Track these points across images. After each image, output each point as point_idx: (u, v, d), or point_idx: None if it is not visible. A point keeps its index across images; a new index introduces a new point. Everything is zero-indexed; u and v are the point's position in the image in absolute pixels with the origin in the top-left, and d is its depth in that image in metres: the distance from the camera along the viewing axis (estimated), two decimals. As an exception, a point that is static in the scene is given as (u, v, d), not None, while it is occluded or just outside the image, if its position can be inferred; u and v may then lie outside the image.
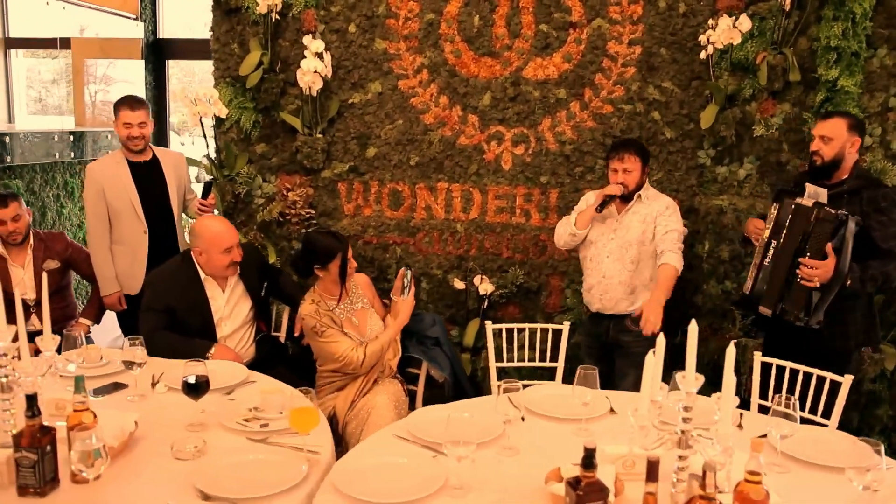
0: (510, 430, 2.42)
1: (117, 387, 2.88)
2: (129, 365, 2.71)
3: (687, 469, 1.94)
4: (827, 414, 2.97)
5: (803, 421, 2.54)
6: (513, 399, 2.42)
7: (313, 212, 4.29)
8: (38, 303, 3.95)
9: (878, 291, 3.52)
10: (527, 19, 4.04)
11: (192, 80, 9.45)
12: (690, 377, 1.89)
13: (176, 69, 7.81)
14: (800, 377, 3.05)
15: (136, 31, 7.38)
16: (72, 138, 6.42)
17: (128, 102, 3.97)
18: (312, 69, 3.97)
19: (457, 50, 4.10)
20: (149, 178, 4.00)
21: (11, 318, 2.50)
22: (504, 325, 3.62)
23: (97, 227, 3.93)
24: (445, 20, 4.08)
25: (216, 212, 4.15)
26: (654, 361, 1.99)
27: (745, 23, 3.72)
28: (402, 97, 4.17)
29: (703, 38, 3.83)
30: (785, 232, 3.21)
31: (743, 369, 3.72)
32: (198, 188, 4.37)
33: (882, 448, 1.93)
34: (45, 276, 2.57)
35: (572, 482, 1.84)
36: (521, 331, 3.71)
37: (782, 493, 2.03)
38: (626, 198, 3.49)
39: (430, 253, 4.27)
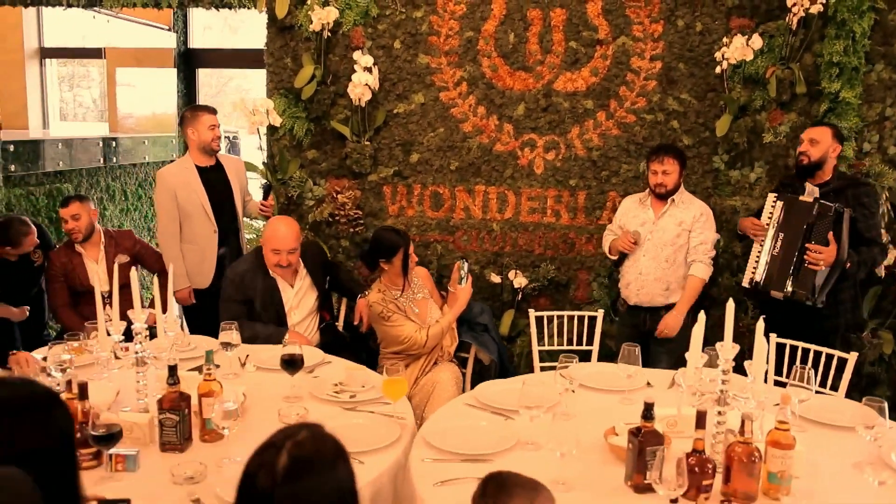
0: (564, 399, 2.81)
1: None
2: (225, 346, 3.09)
3: (725, 424, 2.35)
4: (833, 388, 3.38)
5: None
6: (565, 374, 2.82)
7: (360, 213, 4.68)
8: (111, 294, 4.35)
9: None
10: (557, 37, 4.44)
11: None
12: (728, 345, 2.30)
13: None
14: (801, 354, 3.45)
15: (169, 41, 7.75)
16: (114, 144, 6.80)
17: (205, 108, 4.36)
18: (363, 82, 4.36)
19: (493, 65, 4.50)
20: (215, 182, 4.37)
21: (93, 307, 2.93)
22: (545, 313, 4.02)
23: (169, 227, 4.29)
24: (483, 37, 4.48)
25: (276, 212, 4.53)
26: (699, 333, 2.40)
27: (756, 41, 4.13)
28: (443, 107, 4.57)
29: (718, 55, 4.24)
30: (791, 225, 3.66)
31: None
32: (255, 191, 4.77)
33: (885, 405, 2.33)
34: (133, 271, 2.93)
35: (634, 431, 2.24)
36: (559, 318, 4.10)
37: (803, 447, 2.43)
38: (664, 196, 3.91)
39: (468, 250, 4.67)
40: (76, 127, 8.90)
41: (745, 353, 2.57)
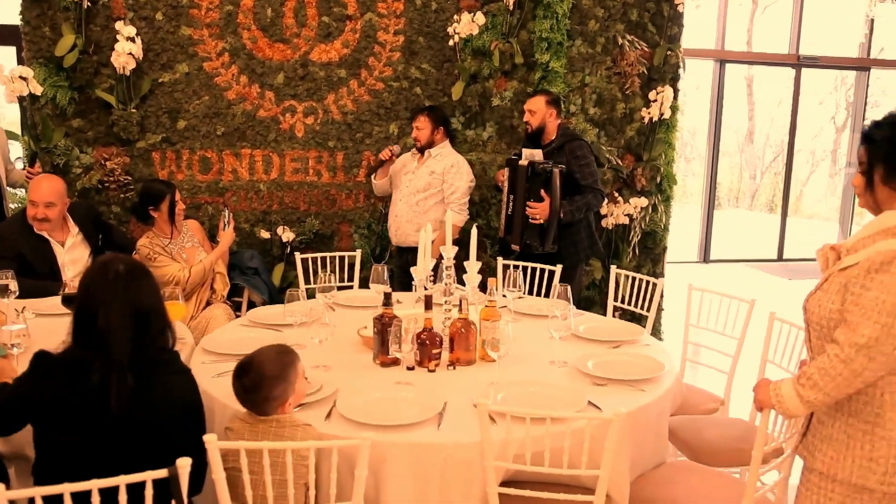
0: (325, 314, 3.30)
1: (-15, 319, 3.40)
2: (3, 290, 3.26)
3: (451, 311, 2.95)
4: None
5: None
6: (327, 297, 3.32)
7: (130, 178, 4.87)
8: None
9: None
10: (311, 12, 4.91)
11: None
12: (448, 248, 2.91)
13: None
14: (533, 275, 4.21)
15: None
16: None
17: None
18: (127, 51, 4.56)
19: (253, 37, 4.88)
20: (-27, 149, 4.39)
21: None
22: (310, 255, 4.49)
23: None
24: (242, 11, 4.85)
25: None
26: (427, 238, 2.99)
27: (480, 18, 4.86)
28: (207, 76, 4.88)
29: (450, 30, 4.93)
30: (516, 187, 4.34)
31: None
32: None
33: (568, 287, 3.03)
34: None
35: (377, 318, 2.78)
36: (323, 259, 4.57)
37: (514, 331, 3.10)
38: (421, 150, 4.54)
39: (238, 210, 5.02)
40: None
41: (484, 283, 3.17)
